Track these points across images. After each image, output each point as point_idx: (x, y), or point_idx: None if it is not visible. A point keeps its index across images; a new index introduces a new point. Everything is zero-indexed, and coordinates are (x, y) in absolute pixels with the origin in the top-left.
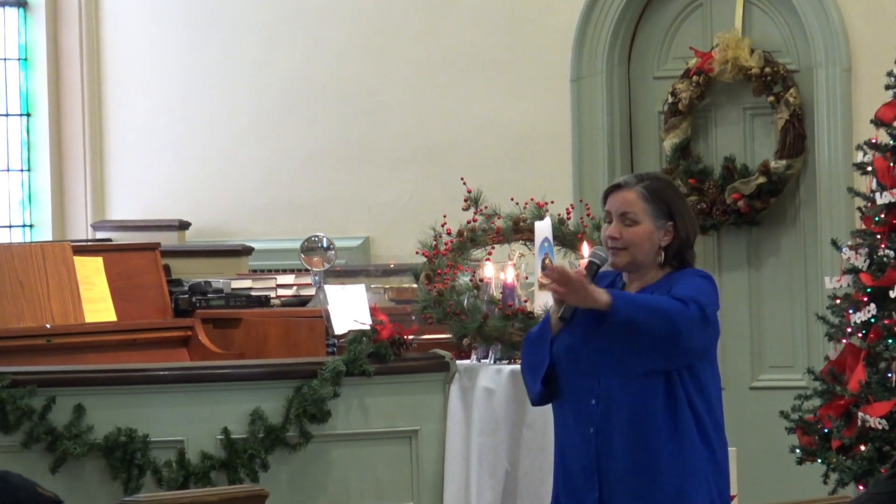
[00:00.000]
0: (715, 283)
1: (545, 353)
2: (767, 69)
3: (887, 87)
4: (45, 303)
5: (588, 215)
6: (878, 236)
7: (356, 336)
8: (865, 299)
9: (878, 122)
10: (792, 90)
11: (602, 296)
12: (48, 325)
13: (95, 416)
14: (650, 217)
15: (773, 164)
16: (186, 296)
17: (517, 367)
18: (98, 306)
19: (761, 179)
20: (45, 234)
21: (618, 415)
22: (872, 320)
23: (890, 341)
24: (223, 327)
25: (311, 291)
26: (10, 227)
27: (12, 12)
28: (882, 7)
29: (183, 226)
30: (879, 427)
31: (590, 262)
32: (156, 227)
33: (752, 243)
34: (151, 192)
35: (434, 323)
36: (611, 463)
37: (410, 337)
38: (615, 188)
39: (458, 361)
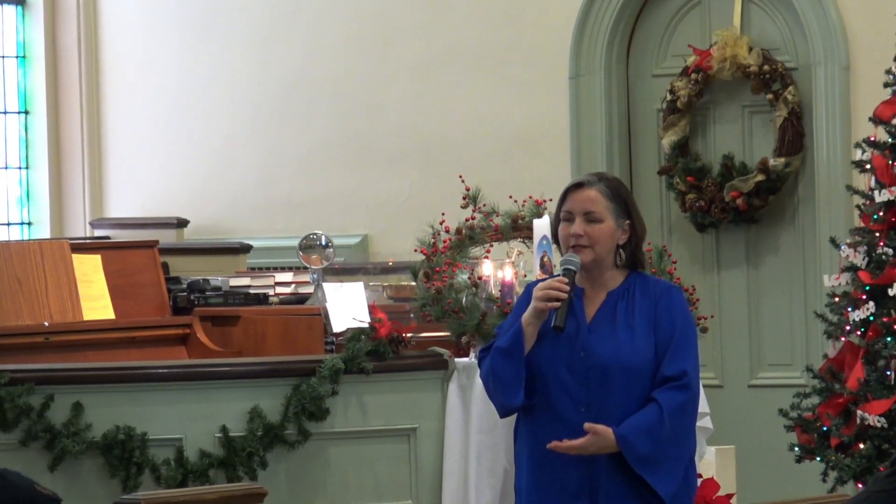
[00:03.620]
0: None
1: (521, 364)
2: (766, 67)
3: (886, 85)
4: (43, 300)
5: None
6: (877, 234)
7: (355, 334)
8: (864, 297)
9: (876, 119)
10: (790, 88)
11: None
12: (46, 323)
13: (94, 414)
14: (612, 215)
15: (771, 162)
16: (185, 293)
17: None
18: (96, 304)
19: (760, 177)
20: (43, 231)
21: (608, 422)
22: (871, 318)
23: (889, 339)
24: (221, 325)
25: (310, 289)
26: (9, 224)
27: (10, 10)
28: (881, 5)
29: (181, 223)
30: (878, 425)
31: (566, 270)
32: (154, 224)
33: (750, 241)
34: (150, 189)
35: (432, 321)
36: (602, 468)
37: (409, 335)
38: (577, 187)
39: (456, 359)
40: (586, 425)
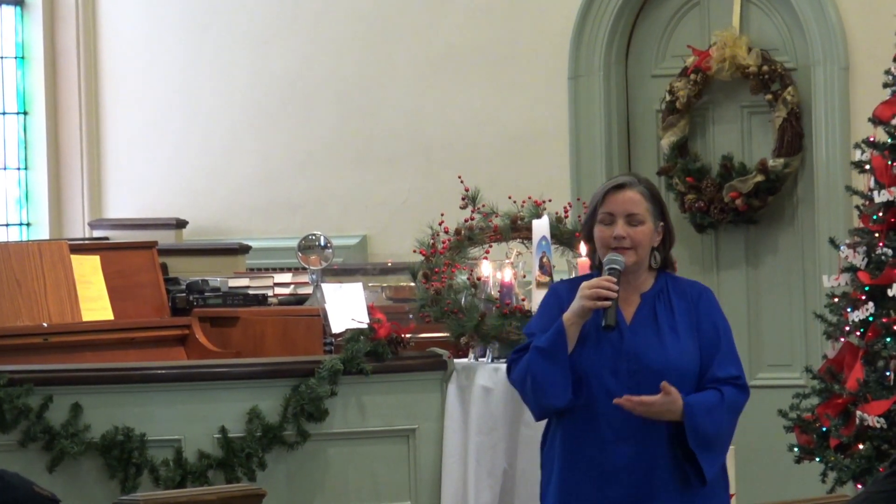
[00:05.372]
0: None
1: (566, 364)
2: (765, 67)
3: (885, 86)
4: (42, 301)
5: (586, 213)
6: (877, 234)
7: (354, 335)
8: (863, 298)
9: (875, 120)
10: (790, 88)
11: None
12: (45, 324)
13: (92, 415)
14: (651, 216)
15: (770, 163)
16: (184, 294)
17: None
18: (95, 305)
19: (759, 178)
20: (42, 232)
21: (655, 426)
22: (870, 319)
23: (888, 340)
24: (220, 326)
25: (309, 290)
26: (7, 225)
27: (9, 10)
28: (880, 5)
29: (180, 224)
30: (878, 425)
31: (612, 270)
32: (153, 225)
33: (749, 242)
34: (148, 190)
35: (432, 321)
36: (653, 465)
37: (408, 335)
38: (618, 188)
39: (455, 360)
40: (663, 384)
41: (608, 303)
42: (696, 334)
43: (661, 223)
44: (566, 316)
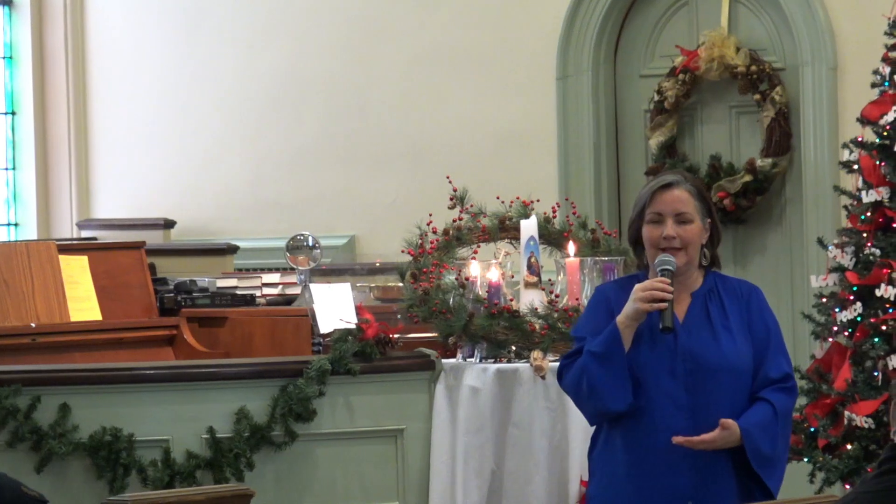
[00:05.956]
0: None
1: (624, 367)
2: (753, 67)
3: (873, 86)
4: (29, 302)
5: (574, 213)
6: (865, 235)
7: (342, 335)
8: (851, 298)
9: (864, 120)
10: (778, 88)
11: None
12: (33, 324)
13: (80, 416)
14: (699, 215)
15: (759, 163)
16: (172, 295)
17: (503, 365)
18: (83, 305)
19: (747, 178)
20: (30, 232)
21: (713, 426)
22: (859, 319)
23: (876, 340)
24: (208, 326)
25: (297, 290)
26: None
27: None
28: (868, 5)
29: (168, 224)
30: (865, 426)
31: (665, 271)
32: (141, 225)
33: (738, 242)
34: (137, 190)
35: (420, 322)
36: (715, 459)
37: (396, 336)
38: (665, 187)
39: (443, 360)
40: (721, 420)
41: (664, 304)
42: (749, 334)
43: (709, 220)
44: (619, 319)
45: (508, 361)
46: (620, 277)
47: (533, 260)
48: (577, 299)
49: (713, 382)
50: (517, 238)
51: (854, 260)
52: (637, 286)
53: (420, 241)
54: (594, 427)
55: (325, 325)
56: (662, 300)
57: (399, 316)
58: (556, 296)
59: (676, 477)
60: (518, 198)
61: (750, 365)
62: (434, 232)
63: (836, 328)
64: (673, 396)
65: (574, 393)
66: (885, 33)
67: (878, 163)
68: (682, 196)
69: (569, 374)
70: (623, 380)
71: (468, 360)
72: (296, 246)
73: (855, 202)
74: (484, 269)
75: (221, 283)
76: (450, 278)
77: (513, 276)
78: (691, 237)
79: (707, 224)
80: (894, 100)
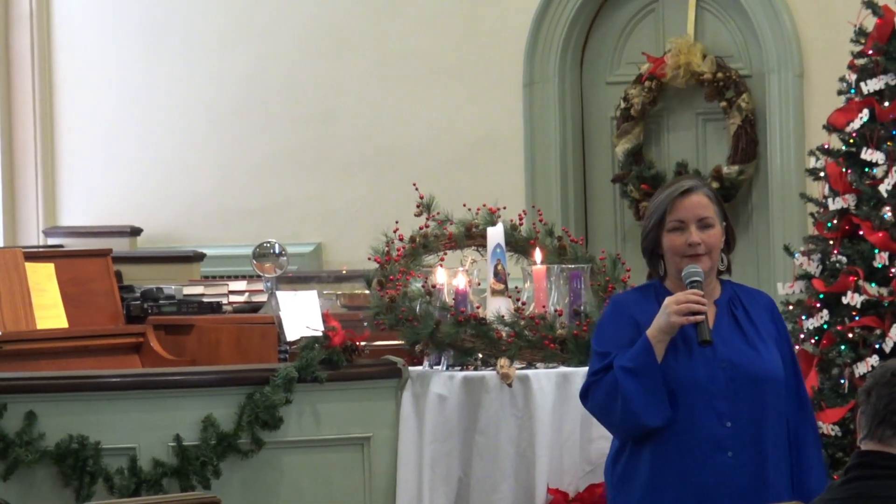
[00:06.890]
0: None
1: (659, 381)
2: (720, 74)
3: (839, 93)
4: None
5: (541, 221)
6: (831, 242)
7: (308, 342)
8: (818, 305)
9: (830, 127)
10: (744, 95)
11: None
12: None
13: (47, 423)
14: (718, 219)
15: (725, 170)
16: (138, 302)
17: (470, 373)
18: (49, 312)
19: (714, 185)
20: None
21: (754, 434)
22: (825, 326)
23: (843, 347)
24: (175, 334)
25: (263, 298)
26: None
27: None
28: (834, 12)
29: (135, 232)
30: (832, 434)
31: (694, 283)
32: (107, 233)
33: None
34: (103, 198)
35: (386, 329)
36: (761, 468)
37: (363, 343)
38: (685, 193)
39: (410, 368)
40: None
41: (701, 317)
42: (775, 343)
43: (724, 223)
44: (651, 332)
45: (475, 369)
46: (636, 287)
47: (500, 267)
48: (543, 307)
49: (753, 391)
50: (484, 245)
51: (821, 267)
52: (669, 299)
53: (386, 249)
54: (616, 441)
55: (292, 332)
56: (698, 312)
57: (366, 323)
58: (523, 303)
59: (717, 486)
60: (485, 205)
61: (783, 373)
62: (401, 239)
63: (802, 336)
64: (714, 406)
65: (605, 410)
66: (851, 40)
67: (844, 170)
68: (703, 201)
69: (598, 391)
70: (660, 395)
71: (435, 367)
72: (262, 253)
73: (821, 209)
74: (451, 276)
75: (188, 290)
76: (416, 286)
77: (479, 284)
78: (715, 242)
79: (724, 228)
80: (860, 107)
